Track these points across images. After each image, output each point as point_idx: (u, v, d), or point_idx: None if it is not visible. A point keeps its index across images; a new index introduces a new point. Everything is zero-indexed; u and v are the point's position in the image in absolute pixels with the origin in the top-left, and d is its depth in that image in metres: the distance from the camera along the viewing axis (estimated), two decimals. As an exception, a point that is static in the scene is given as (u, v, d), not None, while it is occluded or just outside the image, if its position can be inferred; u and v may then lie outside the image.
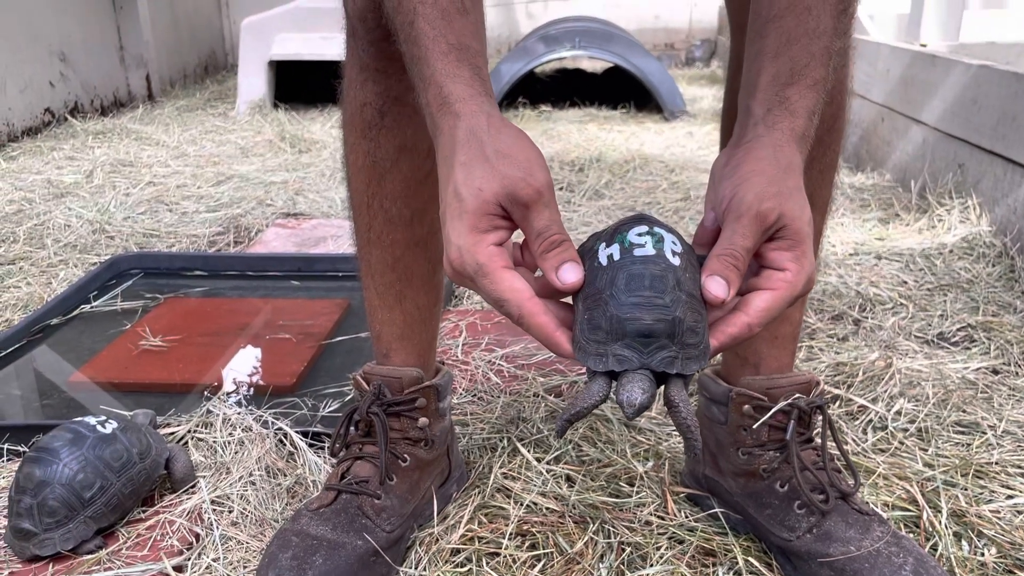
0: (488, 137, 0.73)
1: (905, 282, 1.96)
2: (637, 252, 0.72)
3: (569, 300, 0.76)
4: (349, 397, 1.47)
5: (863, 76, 2.98)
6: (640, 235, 0.73)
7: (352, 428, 1.14)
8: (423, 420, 1.12)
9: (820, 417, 1.11)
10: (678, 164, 3.00)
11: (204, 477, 1.23)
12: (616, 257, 0.73)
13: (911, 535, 1.13)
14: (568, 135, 3.48)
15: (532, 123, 3.74)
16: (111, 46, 4.46)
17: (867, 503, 1.11)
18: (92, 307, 1.86)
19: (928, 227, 2.25)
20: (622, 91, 4.22)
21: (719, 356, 1.56)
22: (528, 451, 1.31)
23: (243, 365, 1.58)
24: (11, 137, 3.59)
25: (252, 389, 1.48)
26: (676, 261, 0.72)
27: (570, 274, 0.72)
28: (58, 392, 1.57)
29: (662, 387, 0.72)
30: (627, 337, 0.70)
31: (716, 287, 0.72)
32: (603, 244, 0.74)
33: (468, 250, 0.72)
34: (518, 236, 0.77)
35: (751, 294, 0.74)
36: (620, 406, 0.69)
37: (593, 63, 5.01)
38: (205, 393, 1.44)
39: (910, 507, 1.18)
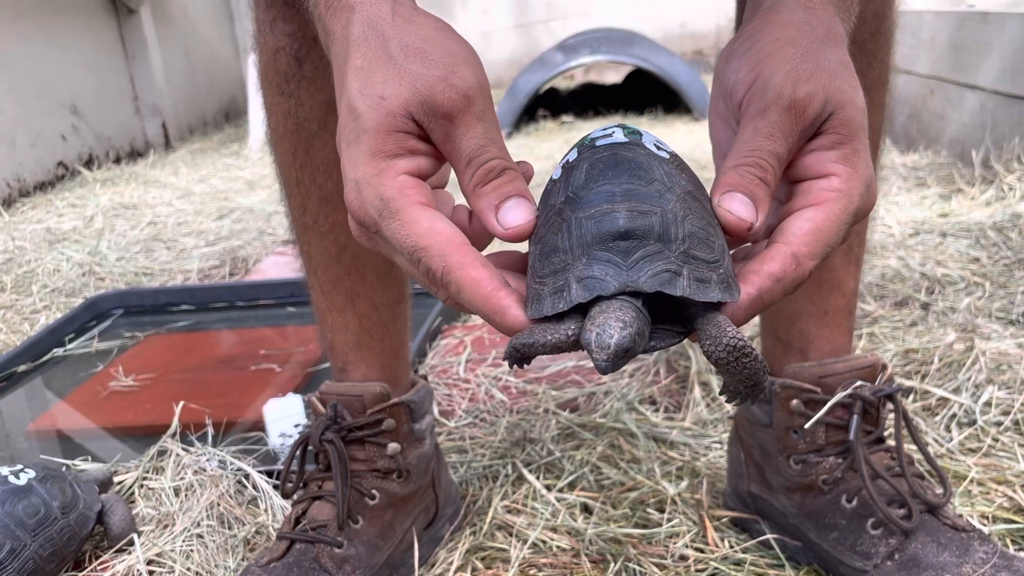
0: (393, 29, 0.52)
1: (977, 259, 1.70)
2: (602, 142, 0.50)
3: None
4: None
5: (906, 49, 2.72)
6: (605, 129, 0.52)
7: (315, 462, 0.94)
8: (393, 446, 0.91)
9: (891, 409, 0.87)
10: (710, 161, 2.77)
11: (144, 531, 1.03)
12: (573, 158, 0.51)
13: (1022, 554, 0.88)
14: (592, 143, 3.27)
15: (553, 134, 3.54)
16: (125, 96, 4.38)
17: (961, 516, 0.86)
18: (65, 350, 1.69)
19: (997, 198, 1.99)
20: (649, 97, 4.01)
21: (757, 342, 1.31)
22: (536, 477, 1.08)
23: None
24: (22, 192, 3.50)
25: (220, 426, 1.28)
26: (663, 155, 0.50)
27: (516, 212, 0.50)
28: (12, 443, 1.39)
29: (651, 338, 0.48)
30: (595, 245, 0.46)
31: (738, 205, 0.49)
32: (559, 165, 0.53)
33: (368, 183, 0.50)
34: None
35: (787, 219, 0.51)
36: (587, 349, 0.45)
37: (617, 73, 4.81)
38: (168, 435, 1.24)
39: (1016, 517, 0.95)
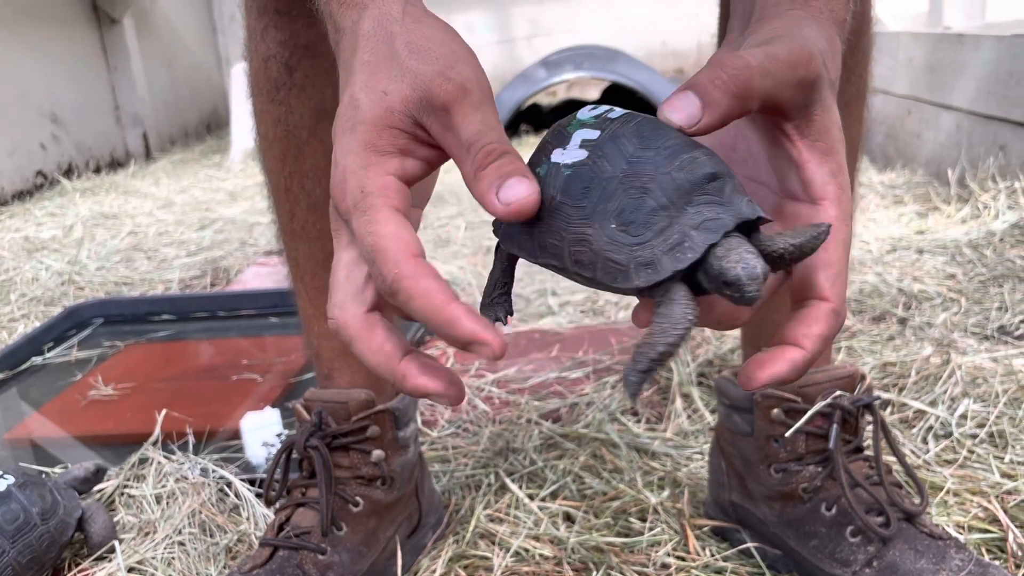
0: (401, 27, 0.52)
1: (953, 275, 1.73)
2: (614, 114, 0.50)
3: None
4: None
5: (884, 70, 2.77)
6: (595, 108, 0.51)
7: (299, 470, 0.94)
8: (378, 453, 0.91)
9: (870, 419, 0.88)
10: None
11: (125, 539, 1.03)
12: (594, 136, 0.49)
13: (998, 562, 0.89)
14: (574, 158, 3.29)
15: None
16: (106, 106, 4.37)
17: (938, 525, 0.88)
18: (44, 359, 1.68)
19: (972, 216, 2.02)
20: (631, 114, 4.04)
21: (738, 354, 1.33)
22: (519, 487, 1.09)
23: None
24: (0, 201, 3.48)
25: (202, 435, 1.28)
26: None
27: (517, 189, 0.47)
28: (-11, 452, 1.38)
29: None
30: (694, 192, 0.46)
31: (680, 98, 0.48)
32: (555, 148, 0.50)
33: (355, 172, 0.49)
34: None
35: (811, 270, 0.50)
36: (736, 286, 0.44)
37: (599, 90, 4.85)
38: (149, 442, 1.24)
39: (991, 527, 0.96)
